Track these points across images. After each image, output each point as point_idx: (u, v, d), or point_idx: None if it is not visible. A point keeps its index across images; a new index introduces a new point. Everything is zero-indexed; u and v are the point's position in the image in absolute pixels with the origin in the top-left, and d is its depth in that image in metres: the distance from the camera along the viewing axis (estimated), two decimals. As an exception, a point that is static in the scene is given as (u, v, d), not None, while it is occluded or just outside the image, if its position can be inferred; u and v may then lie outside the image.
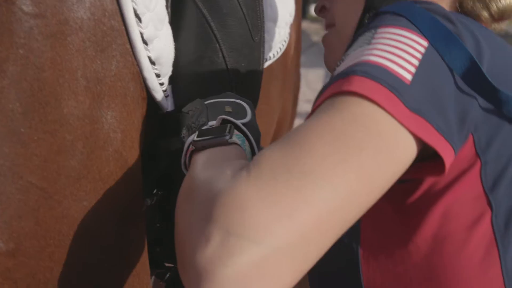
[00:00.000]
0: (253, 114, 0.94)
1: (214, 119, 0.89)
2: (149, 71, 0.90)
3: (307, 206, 0.61)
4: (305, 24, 13.08)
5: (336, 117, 0.66)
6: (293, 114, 2.09)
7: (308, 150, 0.64)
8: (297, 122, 6.16)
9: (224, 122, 0.87)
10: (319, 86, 8.39)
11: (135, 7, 0.86)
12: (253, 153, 0.88)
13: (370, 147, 0.65)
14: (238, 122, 0.88)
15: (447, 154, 0.69)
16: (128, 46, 0.87)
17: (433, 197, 0.76)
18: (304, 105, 7.58)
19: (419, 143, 0.68)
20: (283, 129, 1.92)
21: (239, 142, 0.84)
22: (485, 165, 0.76)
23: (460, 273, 0.75)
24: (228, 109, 0.92)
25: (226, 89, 1.01)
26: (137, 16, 0.86)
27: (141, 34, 0.87)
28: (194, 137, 0.82)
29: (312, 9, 14.03)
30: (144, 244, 0.93)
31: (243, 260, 0.57)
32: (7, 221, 0.70)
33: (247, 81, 1.05)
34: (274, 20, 1.37)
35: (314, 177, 0.62)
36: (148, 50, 0.89)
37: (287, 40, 1.49)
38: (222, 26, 1.00)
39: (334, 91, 0.69)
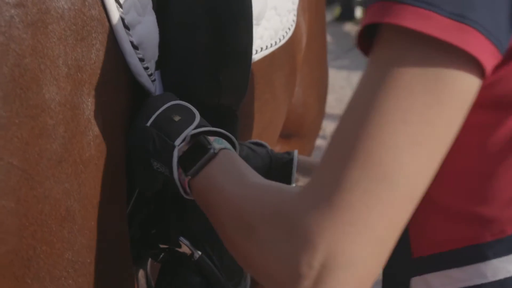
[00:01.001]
0: (196, 109, 0.97)
1: (175, 137, 0.91)
2: (132, 56, 0.93)
3: (388, 217, 0.62)
4: (349, 26, 13.06)
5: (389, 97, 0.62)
6: (320, 110, 2.05)
7: (377, 144, 0.62)
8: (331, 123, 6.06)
9: (193, 135, 0.90)
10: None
11: None
12: (233, 144, 0.93)
13: (433, 112, 0.62)
14: (204, 129, 0.91)
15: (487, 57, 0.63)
16: (109, 34, 0.90)
17: None
18: (339, 106, 7.57)
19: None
20: (305, 125, 1.90)
21: (223, 146, 0.87)
22: None
23: None
24: (176, 118, 0.93)
25: (211, 73, 1.04)
26: (117, 2, 0.90)
27: (122, 19, 0.90)
28: (179, 171, 0.87)
29: (357, 12, 13.99)
30: (126, 226, 0.96)
31: None
32: None
33: (234, 68, 1.07)
34: (275, 8, 1.38)
35: (391, 178, 0.61)
36: (130, 35, 0.92)
37: (291, 28, 1.49)
38: (207, 11, 1.02)
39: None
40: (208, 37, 1.02)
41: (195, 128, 0.92)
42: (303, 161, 1.21)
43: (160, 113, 0.94)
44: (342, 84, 8.64)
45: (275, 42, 1.40)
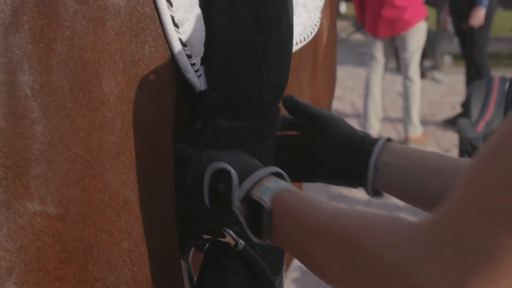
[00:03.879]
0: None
1: (227, 224, 1.00)
2: (180, 52, 0.96)
3: None
4: (334, 22, 13.14)
5: None
6: (329, 107, 2.10)
7: None
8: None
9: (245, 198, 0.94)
10: (348, 83, 8.47)
11: None
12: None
13: None
14: (246, 188, 0.94)
15: None
16: (160, 31, 0.93)
17: None
18: (334, 102, 7.63)
19: None
20: None
21: (270, 194, 0.91)
22: None
23: None
24: (221, 187, 0.97)
25: (255, 68, 1.07)
26: (168, 1, 0.93)
27: (172, 17, 0.94)
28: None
29: (342, 7, 14.02)
30: (174, 218, 0.99)
31: None
32: (58, 188, 0.77)
33: (276, 62, 1.11)
34: (304, 5, 1.43)
35: None
36: (179, 32, 0.95)
37: (317, 25, 1.54)
38: (251, 8, 1.06)
39: None
40: (252, 33, 1.05)
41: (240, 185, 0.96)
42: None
43: (197, 189, 0.99)
44: (327, 79, 8.73)
45: (304, 38, 1.44)
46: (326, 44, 1.85)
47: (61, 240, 0.78)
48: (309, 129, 1.19)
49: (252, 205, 0.93)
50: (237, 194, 0.95)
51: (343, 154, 1.15)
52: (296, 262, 4.23)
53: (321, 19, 1.66)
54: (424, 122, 6.72)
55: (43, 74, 0.76)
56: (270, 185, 0.94)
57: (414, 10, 6.13)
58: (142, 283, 0.89)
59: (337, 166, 1.16)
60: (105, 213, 0.83)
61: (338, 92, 8.00)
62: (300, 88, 1.50)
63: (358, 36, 9.20)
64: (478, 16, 6.51)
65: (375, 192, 1.14)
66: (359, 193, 5.04)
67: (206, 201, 0.98)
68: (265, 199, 0.91)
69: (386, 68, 6.64)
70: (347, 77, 8.70)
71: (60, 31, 0.78)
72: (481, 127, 3.61)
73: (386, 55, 6.37)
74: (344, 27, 11.80)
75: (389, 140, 1.13)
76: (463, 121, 3.64)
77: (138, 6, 0.89)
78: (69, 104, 0.78)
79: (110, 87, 0.84)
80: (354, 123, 6.82)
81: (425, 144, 6.16)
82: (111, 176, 0.83)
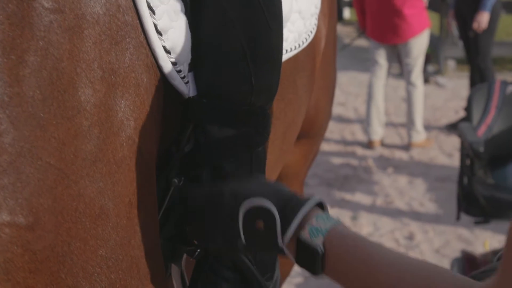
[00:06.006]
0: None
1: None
2: (164, 60, 0.96)
3: None
4: (338, 27, 13.12)
5: None
6: (329, 113, 2.11)
7: None
8: (330, 124, 6.15)
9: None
10: (351, 89, 8.47)
11: (149, 0, 0.92)
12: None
13: None
14: (293, 227, 0.95)
15: None
16: (142, 39, 0.93)
17: None
18: (337, 107, 7.64)
19: None
20: (316, 126, 1.95)
21: (321, 234, 0.93)
22: None
23: None
24: (260, 225, 0.97)
25: (244, 75, 1.07)
26: (150, 9, 0.93)
27: (155, 25, 0.94)
28: None
29: (345, 12, 14.03)
30: (157, 224, 0.99)
31: None
32: (27, 198, 0.77)
33: (265, 69, 1.11)
34: (299, 12, 1.43)
35: None
36: (162, 40, 0.95)
37: (313, 31, 1.55)
38: (239, 14, 1.06)
39: None
40: (240, 40, 1.06)
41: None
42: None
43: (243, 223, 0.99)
44: (331, 84, 8.73)
45: (299, 45, 1.45)
46: (325, 50, 1.86)
47: (30, 250, 0.78)
48: None
49: (302, 246, 0.94)
50: (287, 236, 0.95)
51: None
52: (297, 268, 4.23)
53: (319, 26, 1.67)
54: (427, 127, 6.70)
55: (13, 85, 0.76)
56: (318, 225, 0.94)
57: (418, 17, 6.13)
58: None
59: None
60: (80, 221, 0.83)
61: (341, 97, 8.01)
62: (296, 94, 1.50)
63: (362, 42, 9.19)
64: (482, 21, 6.50)
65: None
66: (362, 198, 5.04)
67: (242, 238, 0.99)
68: (317, 242, 0.92)
69: (389, 74, 6.64)
70: (350, 82, 8.70)
71: (34, 41, 0.78)
72: (482, 131, 3.60)
73: (389, 60, 6.37)
74: (347, 33, 11.80)
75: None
76: (464, 125, 3.63)
77: (119, 14, 0.90)
78: (42, 114, 0.78)
79: (87, 95, 0.84)
80: (357, 128, 6.81)
81: (428, 149, 6.15)
82: (87, 184, 0.83)
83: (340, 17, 13.83)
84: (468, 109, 3.71)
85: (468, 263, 3.31)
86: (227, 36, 1.05)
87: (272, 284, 1.18)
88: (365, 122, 6.45)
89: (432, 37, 7.62)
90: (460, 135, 3.57)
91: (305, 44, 1.49)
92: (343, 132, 6.76)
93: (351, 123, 7.08)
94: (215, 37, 1.05)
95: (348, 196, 5.09)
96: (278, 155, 1.49)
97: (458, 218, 3.56)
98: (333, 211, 4.77)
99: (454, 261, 3.44)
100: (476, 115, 3.67)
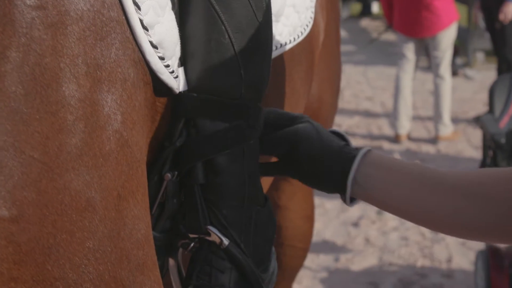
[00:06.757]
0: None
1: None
2: (151, 55, 0.97)
3: None
4: (366, 22, 13.12)
5: None
6: (334, 105, 2.11)
7: None
8: (357, 119, 6.15)
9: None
10: (379, 83, 8.43)
11: None
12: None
13: None
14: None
15: None
16: (129, 34, 0.95)
17: None
18: (364, 102, 7.63)
19: None
20: (320, 119, 1.96)
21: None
22: None
23: None
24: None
25: (233, 68, 1.09)
26: (135, 4, 0.94)
27: (141, 21, 0.95)
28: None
29: (374, 7, 13.97)
30: (148, 216, 1.01)
31: None
32: (10, 191, 0.78)
33: (254, 61, 1.12)
34: (294, 5, 1.44)
35: None
36: (149, 35, 0.96)
37: (309, 25, 1.55)
38: (226, 8, 1.07)
39: None
40: (228, 33, 1.07)
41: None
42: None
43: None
44: (358, 79, 8.70)
45: (294, 39, 1.46)
46: (327, 43, 1.86)
47: (15, 242, 0.79)
48: (282, 156, 1.27)
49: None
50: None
51: (319, 172, 1.23)
52: (324, 262, 4.24)
53: (316, 19, 1.67)
54: (455, 120, 6.66)
55: None
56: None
57: (447, 10, 6.10)
58: (110, 282, 0.90)
59: (316, 182, 1.25)
60: (65, 213, 0.84)
61: (368, 92, 7.98)
62: (293, 88, 1.51)
63: (389, 36, 9.16)
64: (509, 11, 6.44)
65: (352, 200, 1.23)
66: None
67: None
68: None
69: (418, 67, 6.60)
70: (378, 77, 8.66)
71: (15, 38, 0.80)
72: (504, 122, 3.56)
73: (417, 54, 6.34)
74: (375, 27, 11.75)
75: (369, 150, 1.22)
76: (486, 117, 3.60)
77: (103, 10, 0.91)
78: (24, 109, 0.80)
79: (71, 90, 0.85)
80: (384, 123, 6.79)
81: (455, 142, 6.10)
82: (73, 177, 0.85)
83: (368, 12, 13.77)
84: (490, 100, 3.68)
85: (493, 256, 3.29)
86: (214, 30, 1.06)
87: (268, 276, 1.20)
88: (392, 116, 6.42)
89: (460, 30, 7.56)
90: (482, 127, 3.54)
91: (301, 38, 1.50)
92: (370, 127, 6.74)
93: (378, 118, 7.05)
94: (202, 31, 1.06)
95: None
96: None
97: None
98: (357, 205, 4.76)
99: (479, 253, 3.43)
100: (498, 106, 3.64)
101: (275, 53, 1.35)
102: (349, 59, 9.03)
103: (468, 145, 6.05)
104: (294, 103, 1.54)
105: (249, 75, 1.10)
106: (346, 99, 7.72)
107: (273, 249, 1.22)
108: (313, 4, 1.60)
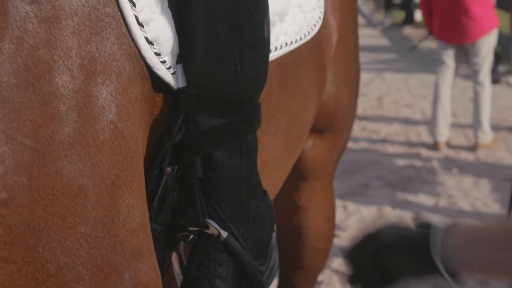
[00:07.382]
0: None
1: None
2: (147, 51, 1.01)
3: None
4: (409, 30, 13.03)
5: None
6: (352, 106, 2.11)
7: None
8: (396, 126, 6.08)
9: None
10: (420, 91, 8.37)
11: None
12: None
13: None
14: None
15: None
16: (124, 30, 0.98)
17: None
18: (403, 109, 7.60)
19: None
20: (337, 120, 1.97)
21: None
22: None
23: None
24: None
25: (230, 65, 1.12)
26: (131, 1, 0.98)
27: (136, 17, 0.99)
28: None
29: (417, 15, 13.83)
30: (145, 206, 1.04)
31: None
32: (1, 176, 0.82)
33: (251, 59, 1.15)
34: (299, 5, 1.46)
35: None
36: (144, 31, 1.00)
37: (317, 25, 1.57)
38: (223, 6, 1.11)
39: None
40: (224, 32, 1.10)
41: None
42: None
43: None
44: (399, 86, 8.65)
45: (300, 38, 1.48)
46: (344, 44, 1.87)
47: (5, 224, 0.83)
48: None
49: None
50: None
51: (405, 265, 1.26)
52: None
53: (327, 19, 1.69)
54: (495, 127, 6.58)
55: None
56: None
57: (487, 16, 6.05)
58: (103, 266, 0.94)
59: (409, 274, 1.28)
60: (57, 199, 0.88)
61: (408, 99, 7.93)
62: (300, 86, 1.53)
63: (430, 44, 9.09)
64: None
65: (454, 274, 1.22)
66: (425, 199, 4.98)
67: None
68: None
69: (458, 74, 6.54)
70: (418, 84, 8.60)
71: (8, 30, 0.84)
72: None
73: (456, 61, 6.29)
74: (418, 35, 11.66)
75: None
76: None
77: (99, 5, 0.95)
78: (16, 98, 0.84)
79: (65, 81, 0.89)
80: (423, 130, 6.74)
81: (495, 150, 6.03)
82: (65, 164, 0.89)
83: (411, 20, 13.68)
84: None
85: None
86: (212, 28, 1.10)
87: (268, 270, 1.22)
88: (431, 123, 6.38)
89: (503, 37, 7.48)
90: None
91: (308, 38, 1.52)
92: (409, 134, 6.70)
93: (417, 125, 7.00)
94: (200, 29, 1.09)
95: (410, 197, 5.04)
96: (284, 146, 1.52)
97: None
98: (394, 212, 4.74)
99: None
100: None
101: (280, 52, 1.37)
102: (389, 66, 8.98)
103: (508, 153, 5.98)
104: (302, 102, 1.56)
105: (246, 72, 1.13)
106: (386, 107, 7.69)
107: (274, 243, 1.24)
108: (321, 4, 1.62)
